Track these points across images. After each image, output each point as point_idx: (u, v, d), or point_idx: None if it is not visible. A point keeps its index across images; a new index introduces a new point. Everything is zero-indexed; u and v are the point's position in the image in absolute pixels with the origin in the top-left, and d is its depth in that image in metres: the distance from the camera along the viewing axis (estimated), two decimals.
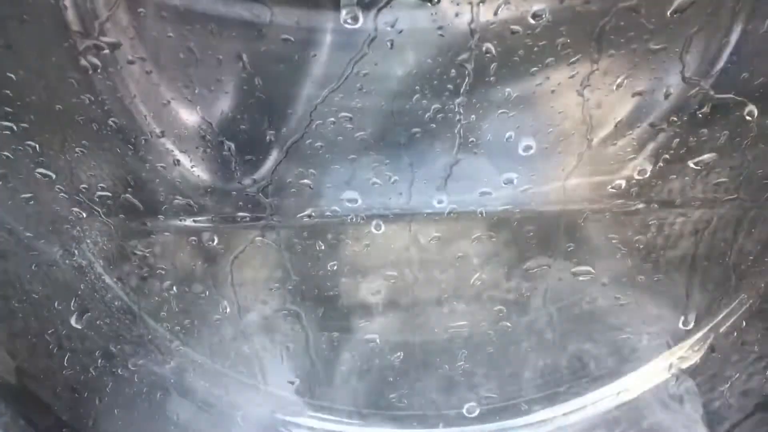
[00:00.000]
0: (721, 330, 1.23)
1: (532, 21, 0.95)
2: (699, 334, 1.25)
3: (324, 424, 1.36)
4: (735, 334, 1.21)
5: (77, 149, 1.03)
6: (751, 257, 1.19)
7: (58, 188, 1.06)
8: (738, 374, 1.20)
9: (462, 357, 1.33)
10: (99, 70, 0.94)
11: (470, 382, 1.36)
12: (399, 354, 1.33)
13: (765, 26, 0.92)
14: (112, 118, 1.00)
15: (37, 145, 1.00)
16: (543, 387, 1.36)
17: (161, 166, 1.08)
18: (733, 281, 1.21)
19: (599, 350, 1.32)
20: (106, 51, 0.92)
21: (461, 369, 1.34)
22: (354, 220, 1.18)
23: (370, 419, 1.37)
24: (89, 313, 1.18)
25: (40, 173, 1.03)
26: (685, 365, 1.26)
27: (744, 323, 1.20)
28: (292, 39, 0.94)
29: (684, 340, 1.26)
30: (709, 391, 1.23)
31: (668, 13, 0.93)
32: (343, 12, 0.92)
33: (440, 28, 0.95)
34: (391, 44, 0.95)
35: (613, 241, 1.22)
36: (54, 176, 1.04)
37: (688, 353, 1.26)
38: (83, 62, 0.93)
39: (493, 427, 1.36)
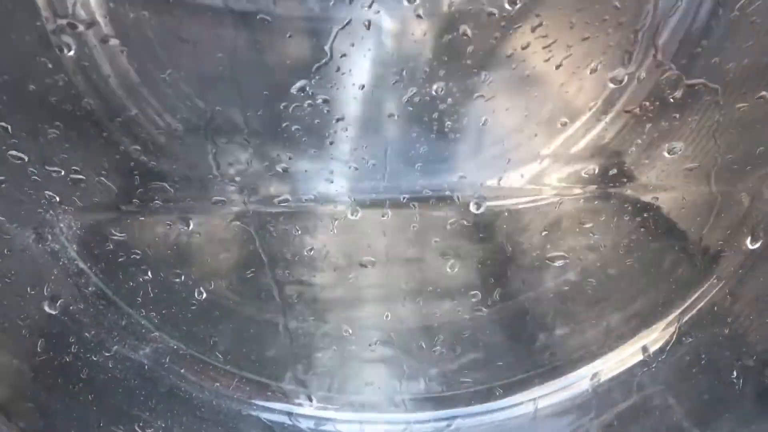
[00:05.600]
0: (692, 313, 1.25)
1: (507, 6, 0.96)
2: (670, 317, 1.27)
3: (301, 410, 1.36)
4: (705, 316, 1.24)
5: (50, 131, 1.01)
6: (721, 242, 1.21)
7: (31, 170, 1.04)
8: (706, 357, 1.23)
9: (438, 342, 1.34)
10: (72, 49, 0.92)
11: (445, 367, 1.37)
12: (375, 339, 1.34)
13: (735, 10, 0.94)
14: (86, 99, 0.99)
15: (8, 126, 0.99)
16: (518, 371, 1.37)
17: (136, 149, 1.07)
18: (702, 265, 1.23)
19: (573, 334, 1.34)
20: (81, 29, 0.91)
21: (437, 354, 1.35)
22: (331, 204, 1.18)
23: (347, 405, 1.37)
24: (63, 299, 1.16)
25: (12, 155, 1.01)
26: (657, 347, 1.28)
27: (714, 306, 1.23)
28: (269, 19, 0.94)
29: (656, 323, 1.28)
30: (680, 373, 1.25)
31: None
32: None
33: (417, 9, 0.95)
34: (368, 25, 0.95)
35: (587, 226, 1.23)
36: (26, 158, 1.02)
37: (660, 335, 1.28)
38: (56, 41, 0.91)
39: (468, 410, 1.37)
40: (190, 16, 0.93)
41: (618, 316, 1.31)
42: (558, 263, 1.26)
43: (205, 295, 1.25)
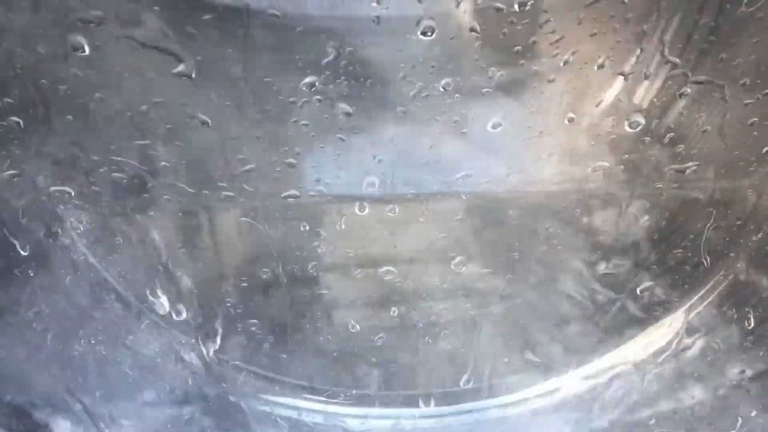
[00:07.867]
0: (698, 309, 1.26)
1: (515, 2, 0.96)
2: (677, 314, 1.27)
3: (309, 404, 1.36)
4: (711, 312, 1.24)
5: (61, 125, 1.02)
6: (726, 238, 1.21)
7: (42, 165, 1.05)
8: (712, 354, 1.23)
9: (444, 337, 1.35)
10: (86, 45, 0.93)
11: (453, 362, 1.37)
12: (381, 335, 1.34)
13: (742, 6, 0.94)
14: (98, 93, 1.00)
15: (21, 121, 1.00)
16: (517, 368, 1.38)
17: (145, 143, 1.08)
18: (708, 262, 1.23)
19: (577, 330, 1.34)
20: (93, 24, 0.92)
21: (443, 350, 1.36)
22: (338, 200, 1.19)
23: (353, 399, 1.37)
24: (73, 292, 1.17)
25: (23, 149, 1.02)
26: (663, 344, 1.28)
27: (720, 302, 1.23)
28: (279, 15, 0.94)
29: (662, 320, 1.29)
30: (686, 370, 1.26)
31: None
32: None
33: (426, 4, 0.95)
34: (377, 20, 0.96)
35: (594, 225, 1.23)
36: (38, 152, 1.03)
37: (666, 332, 1.28)
38: (69, 36, 0.92)
39: (464, 407, 1.38)
40: (199, 10, 0.94)
41: (623, 313, 1.31)
42: (564, 260, 1.27)
43: (213, 290, 1.26)
